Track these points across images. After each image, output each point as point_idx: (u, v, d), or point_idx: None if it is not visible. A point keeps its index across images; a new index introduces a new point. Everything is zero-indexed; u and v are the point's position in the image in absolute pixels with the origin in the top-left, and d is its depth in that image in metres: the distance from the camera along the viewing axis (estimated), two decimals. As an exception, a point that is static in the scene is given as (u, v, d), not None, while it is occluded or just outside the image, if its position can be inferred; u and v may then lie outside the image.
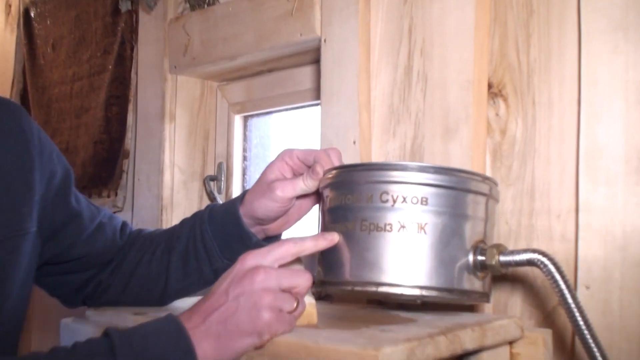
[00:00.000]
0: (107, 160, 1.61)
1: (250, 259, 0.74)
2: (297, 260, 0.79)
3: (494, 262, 0.76)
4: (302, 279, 0.75)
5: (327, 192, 0.83)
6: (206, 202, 1.49)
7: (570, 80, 0.90)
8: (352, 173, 0.79)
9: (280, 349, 0.71)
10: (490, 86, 0.98)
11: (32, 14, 1.93)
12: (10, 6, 2.07)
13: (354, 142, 1.08)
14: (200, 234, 0.93)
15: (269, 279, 0.72)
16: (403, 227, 0.75)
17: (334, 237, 0.79)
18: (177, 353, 0.69)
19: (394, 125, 1.06)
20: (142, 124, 1.52)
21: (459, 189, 0.77)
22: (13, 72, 1.98)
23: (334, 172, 0.82)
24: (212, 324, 0.71)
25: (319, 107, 1.23)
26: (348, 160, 1.08)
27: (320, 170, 0.84)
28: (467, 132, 0.97)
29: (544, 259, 0.75)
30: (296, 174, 0.90)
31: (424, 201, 0.75)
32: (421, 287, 0.75)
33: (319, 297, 0.95)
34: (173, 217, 1.43)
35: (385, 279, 0.75)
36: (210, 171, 1.50)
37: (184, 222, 0.98)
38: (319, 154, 0.86)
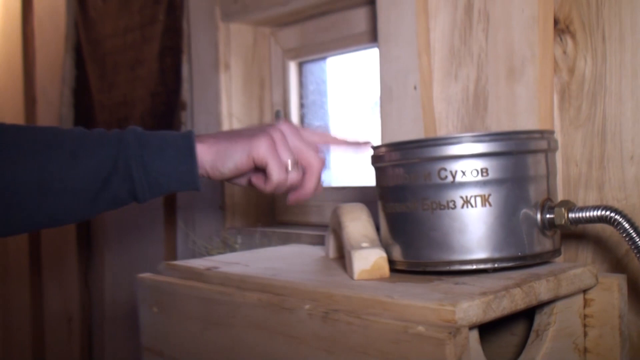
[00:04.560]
0: (165, 113, 1.62)
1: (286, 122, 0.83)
2: None
3: (562, 222, 0.75)
4: (314, 155, 0.82)
5: (381, 170, 0.82)
6: (265, 150, 1.49)
7: (643, 14, 0.85)
8: (406, 151, 0.78)
9: (355, 304, 0.72)
10: (556, 22, 0.94)
11: (81, -34, 1.93)
12: (58, -43, 2.07)
13: (415, 87, 1.06)
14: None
15: (289, 132, 0.81)
16: (467, 202, 0.74)
17: (368, 143, 0.85)
18: (179, 138, 0.78)
19: (455, 68, 1.03)
20: (198, 75, 1.52)
21: (518, 152, 0.75)
22: (66, 26, 1.99)
23: (384, 149, 0.81)
24: (220, 133, 0.81)
25: (375, 49, 1.21)
26: (409, 106, 1.06)
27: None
28: (533, 72, 0.94)
29: (617, 217, 0.74)
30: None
31: (484, 172, 0.74)
32: (493, 260, 0.75)
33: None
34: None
35: (456, 256, 0.75)
36: (268, 119, 1.50)
37: None
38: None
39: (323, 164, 0.84)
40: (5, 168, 0.73)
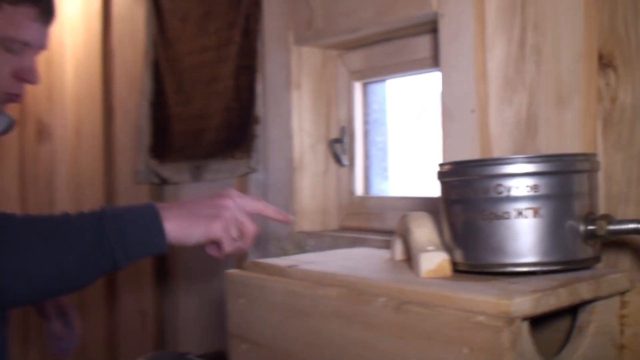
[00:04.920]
0: (239, 126, 1.78)
1: (229, 191, 1.05)
2: None
3: (603, 233, 0.89)
4: (252, 225, 1.05)
5: (445, 184, 0.97)
6: (332, 162, 1.64)
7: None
8: (468, 169, 0.93)
9: (424, 297, 0.86)
10: (600, 57, 1.07)
11: (159, -11, 2.11)
12: (136, -18, 2.26)
13: (472, 111, 1.19)
14: None
15: (233, 208, 1.02)
16: (519, 213, 0.88)
17: (289, 219, 1.12)
18: (149, 219, 0.97)
19: (509, 95, 1.16)
20: (271, 93, 1.68)
21: (565, 172, 0.89)
22: (145, 44, 2.17)
23: (449, 167, 0.96)
24: (182, 209, 1.00)
25: (433, 73, 1.35)
26: (467, 127, 1.20)
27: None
28: (579, 101, 1.07)
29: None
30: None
31: (535, 188, 0.88)
32: (542, 264, 0.89)
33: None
34: (303, 178, 1.59)
35: (510, 260, 0.90)
36: (334, 134, 1.64)
37: None
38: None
39: (256, 232, 1.07)
40: (15, 256, 0.91)
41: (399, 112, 1.61)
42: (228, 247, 1.03)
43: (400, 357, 0.86)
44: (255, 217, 1.08)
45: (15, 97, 1.21)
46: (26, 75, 1.19)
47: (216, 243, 1.05)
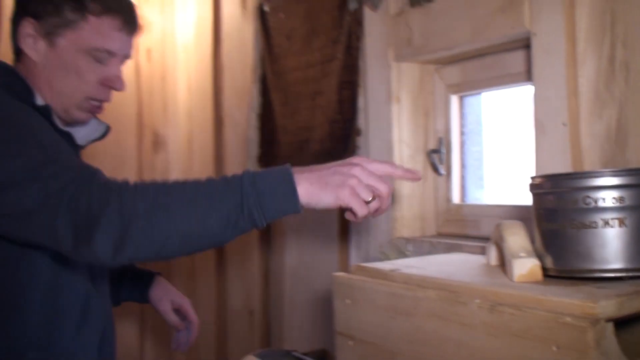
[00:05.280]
0: (341, 137, 1.90)
1: (357, 158, 1.08)
2: None
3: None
4: (384, 186, 1.06)
5: (537, 196, 1.05)
6: (430, 172, 1.74)
7: None
8: (558, 182, 1.02)
9: (516, 299, 0.95)
10: (688, 72, 1.12)
11: (266, 9, 2.25)
12: (245, 1, 2.42)
13: (564, 124, 1.26)
14: None
15: (361, 174, 1.05)
16: (606, 223, 0.96)
17: (418, 175, 1.13)
18: (284, 183, 1.04)
19: (599, 109, 1.23)
20: (372, 106, 1.79)
21: None
22: (253, 60, 2.32)
23: (541, 179, 1.04)
24: (313, 174, 1.05)
25: (526, 86, 1.43)
26: (559, 140, 1.27)
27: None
28: (668, 114, 1.12)
29: None
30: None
31: (621, 200, 0.96)
32: (627, 270, 0.96)
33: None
34: (402, 187, 1.69)
35: (597, 266, 0.98)
36: (432, 145, 1.73)
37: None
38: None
39: (390, 191, 1.09)
40: (163, 218, 1.00)
41: (494, 123, 1.69)
42: (360, 211, 1.06)
43: (493, 354, 0.95)
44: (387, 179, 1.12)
45: (101, 103, 1.32)
46: (112, 83, 1.29)
47: (349, 209, 1.10)
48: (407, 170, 1.13)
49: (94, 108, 1.31)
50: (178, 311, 1.61)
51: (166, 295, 1.58)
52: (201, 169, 2.76)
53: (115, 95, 1.34)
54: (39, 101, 1.22)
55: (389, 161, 1.14)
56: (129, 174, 2.81)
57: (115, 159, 2.68)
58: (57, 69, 1.25)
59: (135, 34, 1.32)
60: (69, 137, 1.27)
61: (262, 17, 2.27)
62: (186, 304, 1.61)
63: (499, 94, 1.64)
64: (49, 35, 1.23)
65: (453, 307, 1.02)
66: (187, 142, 2.87)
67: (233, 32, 2.51)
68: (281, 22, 2.18)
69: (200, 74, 2.75)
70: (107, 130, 1.40)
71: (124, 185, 1.01)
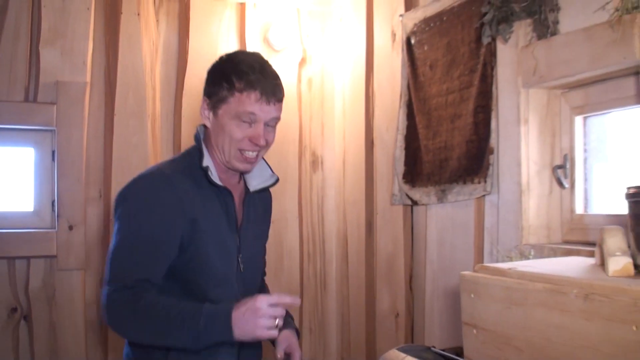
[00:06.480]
0: (476, 156, 2.11)
1: (259, 298, 1.52)
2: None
3: None
4: (279, 311, 1.52)
5: (632, 204, 1.25)
6: (556, 186, 1.91)
7: None
8: None
9: (606, 290, 1.14)
10: None
11: (413, 41, 2.51)
12: (394, 34, 2.69)
13: (668, 142, 1.42)
14: None
15: (263, 309, 1.51)
16: None
17: (296, 301, 1.58)
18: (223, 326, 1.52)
19: (700, 129, 1.37)
20: (503, 127, 1.99)
21: None
22: (400, 88, 2.59)
23: (634, 189, 1.23)
24: (242, 320, 1.51)
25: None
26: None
27: None
28: None
29: None
30: None
31: None
32: None
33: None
34: (530, 199, 1.89)
35: None
36: (557, 161, 1.91)
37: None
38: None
39: (283, 314, 1.55)
40: (134, 331, 1.58)
41: (614, 141, 1.84)
42: (274, 334, 1.53)
43: (587, 335, 1.15)
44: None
45: (255, 157, 1.69)
46: (254, 140, 1.65)
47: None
48: (288, 297, 1.56)
49: (249, 159, 1.69)
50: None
51: (285, 340, 1.81)
52: (353, 186, 3.05)
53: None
54: (204, 163, 1.66)
55: (275, 294, 1.57)
56: (290, 191, 3.17)
57: (279, 176, 3.02)
58: (219, 131, 1.67)
59: (276, 102, 1.66)
60: (224, 190, 1.69)
61: (409, 49, 2.53)
62: (297, 351, 1.83)
63: (621, 114, 1.80)
64: (214, 108, 1.66)
65: (555, 297, 1.22)
66: (341, 161, 3.19)
67: (383, 62, 2.79)
68: (425, 54, 2.43)
69: (354, 100, 3.06)
70: (276, 181, 1.84)
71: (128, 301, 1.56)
